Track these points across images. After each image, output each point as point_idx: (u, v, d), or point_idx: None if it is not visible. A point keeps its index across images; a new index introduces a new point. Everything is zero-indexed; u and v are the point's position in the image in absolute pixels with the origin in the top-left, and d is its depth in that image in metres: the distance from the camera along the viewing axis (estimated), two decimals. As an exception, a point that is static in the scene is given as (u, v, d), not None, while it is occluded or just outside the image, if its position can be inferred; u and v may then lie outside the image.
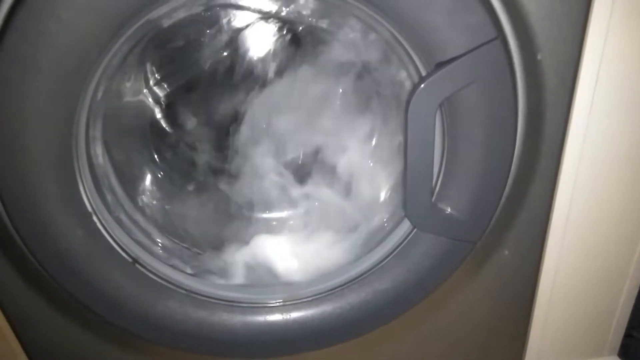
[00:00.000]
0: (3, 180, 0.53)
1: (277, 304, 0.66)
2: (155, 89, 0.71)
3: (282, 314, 0.66)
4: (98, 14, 0.47)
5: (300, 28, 0.66)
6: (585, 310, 0.77)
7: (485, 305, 0.75)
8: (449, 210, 0.61)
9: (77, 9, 0.46)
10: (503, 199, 0.62)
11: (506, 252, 0.69)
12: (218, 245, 0.69)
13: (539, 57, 0.55)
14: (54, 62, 0.48)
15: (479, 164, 0.58)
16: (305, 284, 0.68)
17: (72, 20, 0.46)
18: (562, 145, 0.62)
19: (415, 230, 0.62)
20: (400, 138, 0.67)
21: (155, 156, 0.75)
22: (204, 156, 0.75)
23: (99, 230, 0.58)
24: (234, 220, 0.73)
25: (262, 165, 0.72)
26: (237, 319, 0.65)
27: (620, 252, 0.72)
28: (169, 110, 0.74)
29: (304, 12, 0.60)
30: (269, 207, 0.76)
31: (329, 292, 0.66)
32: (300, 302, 0.66)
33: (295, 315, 0.66)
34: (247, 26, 0.66)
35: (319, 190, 0.74)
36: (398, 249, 0.65)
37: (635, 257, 0.72)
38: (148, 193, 0.72)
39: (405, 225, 0.64)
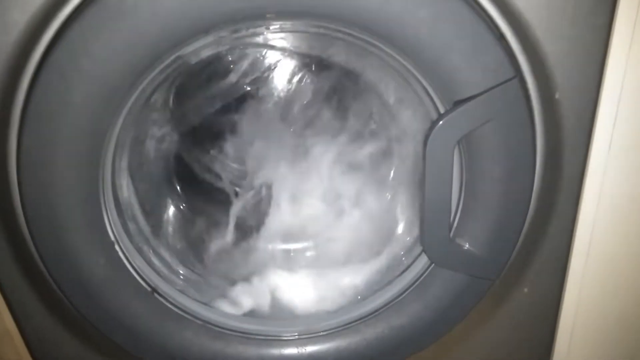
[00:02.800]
0: (30, 207, 0.54)
1: (293, 338, 0.66)
2: (181, 121, 0.73)
3: (297, 347, 0.66)
4: (131, 53, 0.49)
5: (323, 66, 0.68)
6: (606, 351, 0.75)
7: (503, 344, 0.73)
8: (467, 246, 0.60)
9: (110, 47, 0.48)
10: (522, 236, 0.61)
11: (525, 290, 0.68)
12: (236, 276, 0.70)
13: (556, 96, 0.56)
14: (86, 98, 0.50)
15: (497, 200, 0.58)
16: (321, 317, 0.67)
17: (106, 58, 0.49)
18: (581, 183, 0.62)
19: (432, 265, 0.62)
20: (418, 171, 0.67)
21: (178, 188, 0.77)
22: (225, 189, 0.76)
23: (120, 259, 0.59)
24: (253, 252, 0.73)
25: (280, 195, 0.73)
26: (252, 352, 0.65)
27: (643, 291, 0.70)
28: (193, 144, 0.76)
29: (327, 54, 0.62)
30: (287, 238, 0.76)
31: (345, 327, 0.66)
32: (316, 336, 0.66)
33: (310, 349, 0.66)
34: (273, 64, 0.68)
35: (337, 222, 0.74)
36: (415, 285, 0.64)
37: (659, 296, 0.71)
38: (170, 224, 0.73)
39: (423, 260, 0.64)
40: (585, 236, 0.65)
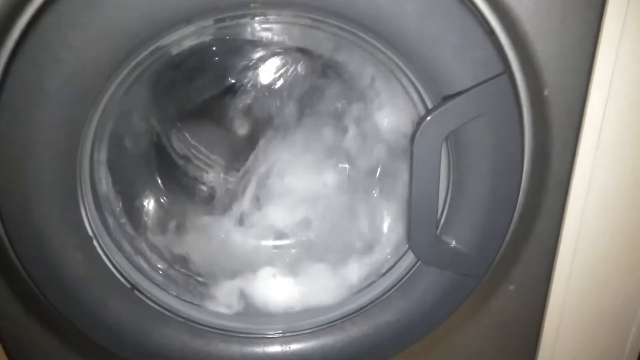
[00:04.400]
0: (4, 201, 0.53)
1: (277, 335, 0.65)
2: (161, 114, 0.71)
3: (281, 345, 0.65)
4: (108, 41, 0.47)
5: (310, 61, 0.67)
6: (592, 350, 0.75)
7: (490, 341, 0.73)
8: (454, 243, 0.60)
9: (87, 36, 0.47)
10: (509, 234, 0.61)
11: (511, 288, 0.68)
12: (218, 273, 0.68)
13: (545, 93, 0.55)
14: (62, 88, 0.48)
15: (484, 197, 0.57)
16: (305, 315, 0.67)
17: (82, 46, 0.47)
18: (568, 180, 0.61)
19: (419, 263, 0.61)
20: (405, 170, 0.67)
21: (159, 181, 0.75)
22: (207, 183, 0.75)
23: (98, 254, 0.58)
24: (236, 248, 0.72)
25: (266, 192, 0.72)
26: (235, 350, 0.64)
27: (628, 288, 0.70)
28: (174, 136, 0.74)
29: (314, 46, 0.61)
30: (271, 235, 0.75)
31: (330, 324, 0.65)
32: (300, 334, 0.65)
33: (294, 347, 0.65)
34: (257, 57, 0.67)
35: (323, 219, 0.73)
36: (401, 282, 0.63)
37: (644, 294, 0.71)
38: (150, 218, 0.71)
39: (409, 258, 0.63)
40: (572, 234, 0.65)
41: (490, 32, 0.51)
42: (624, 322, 0.73)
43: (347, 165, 0.73)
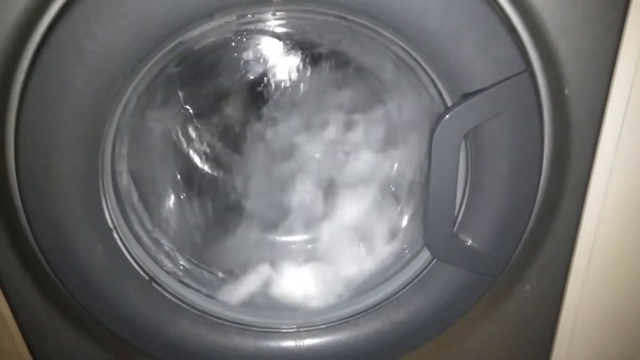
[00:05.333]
0: (28, 192, 0.53)
1: (291, 330, 0.65)
2: (182, 110, 0.72)
3: (295, 340, 0.65)
4: (133, 36, 0.48)
5: (330, 57, 0.67)
6: (606, 352, 0.74)
7: (504, 341, 0.73)
8: (470, 242, 0.60)
9: (113, 30, 0.47)
10: (526, 233, 0.60)
11: (527, 288, 0.68)
12: (236, 267, 0.69)
13: (566, 92, 0.55)
14: (87, 80, 0.49)
15: (502, 196, 0.57)
16: (320, 310, 0.67)
17: (108, 40, 0.48)
18: (587, 181, 0.61)
19: (434, 261, 0.61)
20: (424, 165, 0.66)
21: (179, 177, 0.76)
22: (225, 179, 0.75)
23: (118, 246, 0.59)
24: (254, 244, 0.72)
25: (285, 188, 0.72)
26: (250, 343, 0.64)
27: (645, 292, 0.70)
28: (195, 132, 0.75)
29: (334, 43, 0.61)
30: (289, 230, 0.75)
31: (344, 320, 0.65)
32: (315, 329, 0.65)
33: (308, 342, 0.65)
34: (278, 53, 0.67)
35: (340, 214, 0.73)
36: (416, 279, 0.63)
37: (661, 297, 0.70)
38: (170, 213, 0.72)
39: (425, 255, 0.63)
40: (589, 235, 0.64)
41: (512, 30, 0.51)
42: (639, 325, 0.72)
43: (365, 161, 0.73)
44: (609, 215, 0.63)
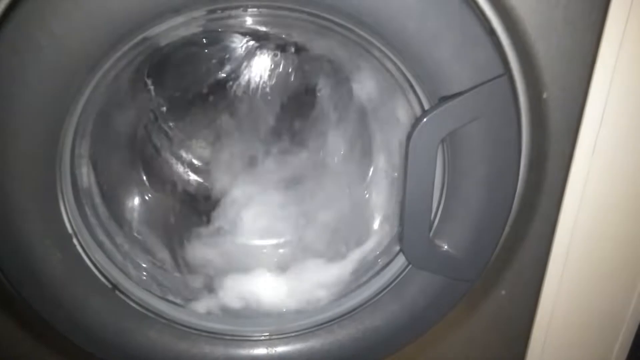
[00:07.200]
0: (-20, 195, 0.50)
1: (263, 338, 0.64)
2: (148, 108, 0.69)
3: (267, 348, 0.64)
4: (92, 30, 0.45)
5: (303, 56, 0.65)
6: (580, 354, 0.75)
7: (479, 345, 0.73)
8: (446, 247, 0.59)
9: (70, 24, 0.44)
10: (502, 238, 0.60)
11: (503, 292, 0.68)
12: (204, 272, 0.67)
13: (544, 95, 0.54)
14: (43, 78, 0.46)
15: (479, 201, 0.56)
16: (292, 317, 0.65)
17: (65, 35, 0.45)
18: (563, 185, 0.61)
19: (410, 266, 0.60)
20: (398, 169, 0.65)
21: (144, 177, 0.73)
22: (193, 179, 0.73)
23: (78, 253, 0.56)
24: (222, 248, 0.70)
25: (253, 190, 0.70)
26: (220, 352, 0.63)
27: (618, 295, 0.70)
28: (160, 131, 0.72)
29: (307, 41, 0.59)
30: (259, 234, 0.73)
31: (318, 327, 0.64)
32: (287, 337, 0.64)
33: (281, 349, 0.64)
34: (247, 50, 0.64)
35: (311, 217, 0.72)
36: (392, 285, 0.62)
37: (634, 300, 0.71)
38: (134, 215, 0.69)
39: (400, 260, 0.62)
40: (564, 239, 0.64)
41: (491, 32, 0.49)
42: (611, 330, 0.73)
43: (337, 162, 0.71)
44: (585, 219, 0.63)
